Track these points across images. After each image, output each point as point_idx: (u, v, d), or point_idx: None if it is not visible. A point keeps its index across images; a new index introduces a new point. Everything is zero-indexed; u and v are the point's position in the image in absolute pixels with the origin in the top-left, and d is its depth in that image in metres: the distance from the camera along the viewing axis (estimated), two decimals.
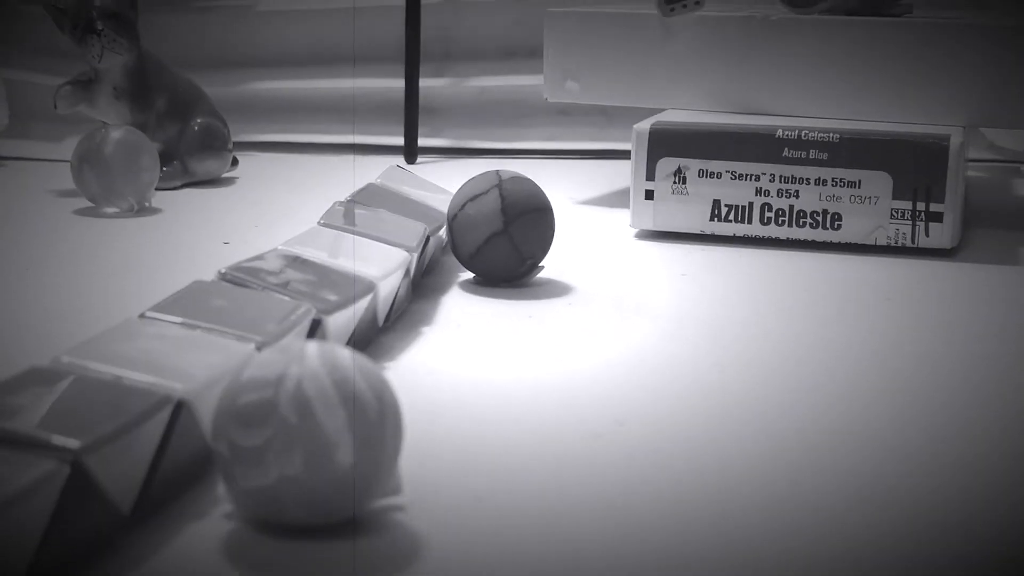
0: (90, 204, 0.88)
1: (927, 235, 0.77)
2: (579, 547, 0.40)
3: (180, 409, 0.42)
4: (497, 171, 0.69)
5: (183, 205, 0.91)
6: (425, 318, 0.64)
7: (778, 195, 0.79)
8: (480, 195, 0.68)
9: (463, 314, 0.65)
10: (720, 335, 0.62)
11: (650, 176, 0.81)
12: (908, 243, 0.77)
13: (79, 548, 0.38)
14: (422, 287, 0.69)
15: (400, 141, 1.12)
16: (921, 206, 0.77)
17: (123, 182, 0.85)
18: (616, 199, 0.93)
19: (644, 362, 0.58)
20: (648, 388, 0.54)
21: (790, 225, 0.79)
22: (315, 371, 0.39)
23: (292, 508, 0.39)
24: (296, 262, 0.57)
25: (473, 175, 0.70)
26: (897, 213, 0.77)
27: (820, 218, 0.78)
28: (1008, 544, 0.40)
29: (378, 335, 0.60)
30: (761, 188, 0.79)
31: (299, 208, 0.83)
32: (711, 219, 0.80)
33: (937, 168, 0.76)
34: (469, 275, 0.71)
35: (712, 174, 0.80)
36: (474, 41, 1.18)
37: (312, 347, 0.40)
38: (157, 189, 0.90)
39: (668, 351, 0.59)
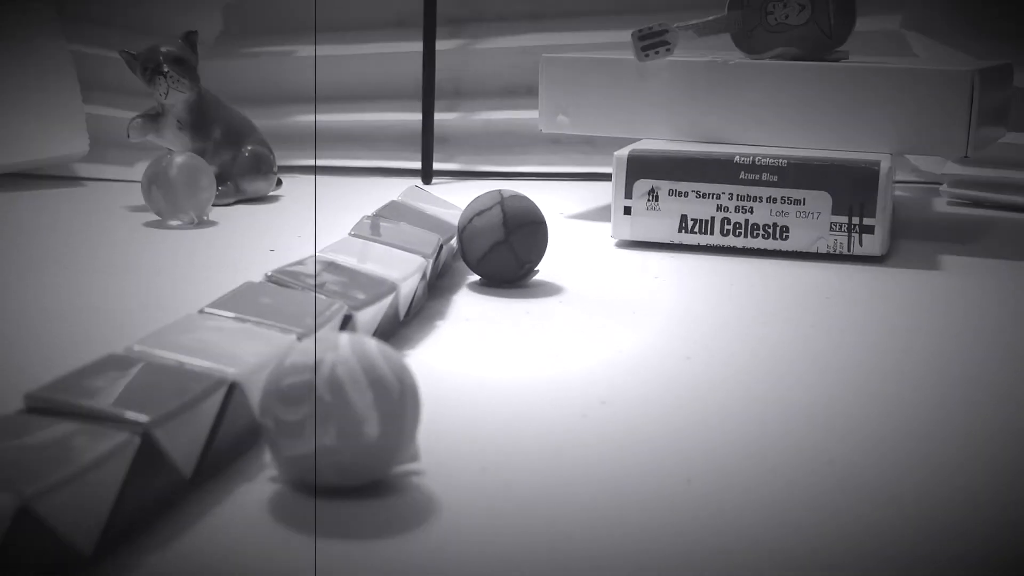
0: (157, 218, 0.87)
1: (861, 244, 0.77)
2: (569, 508, 0.40)
3: (233, 390, 0.42)
4: (500, 190, 0.69)
5: (235, 219, 0.91)
6: (439, 314, 0.64)
7: (736, 211, 0.79)
8: (485, 210, 0.68)
9: (471, 310, 0.65)
10: (688, 328, 0.62)
11: (628, 195, 0.80)
12: (845, 251, 0.77)
13: (148, 507, 0.38)
14: (436, 288, 0.69)
15: (418, 165, 1.11)
16: (856, 220, 0.76)
17: (185, 199, 0.85)
18: (600, 214, 0.93)
19: (623, 351, 0.58)
20: (627, 372, 0.54)
21: (746, 236, 0.79)
22: (347, 358, 0.39)
23: (327, 473, 0.39)
24: (331, 266, 0.57)
25: (479, 194, 0.69)
26: (836, 226, 0.77)
27: (771, 230, 0.78)
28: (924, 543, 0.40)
29: (399, 328, 0.60)
30: (722, 205, 0.79)
31: (333, 221, 0.82)
32: (679, 231, 0.80)
33: (869, 188, 0.76)
34: (476, 278, 0.71)
35: (680, 193, 0.79)
36: (480, 81, 1.17)
37: (344, 337, 0.40)
38: (214, 205, 0.90)
39: (644, 341, 0.59)
